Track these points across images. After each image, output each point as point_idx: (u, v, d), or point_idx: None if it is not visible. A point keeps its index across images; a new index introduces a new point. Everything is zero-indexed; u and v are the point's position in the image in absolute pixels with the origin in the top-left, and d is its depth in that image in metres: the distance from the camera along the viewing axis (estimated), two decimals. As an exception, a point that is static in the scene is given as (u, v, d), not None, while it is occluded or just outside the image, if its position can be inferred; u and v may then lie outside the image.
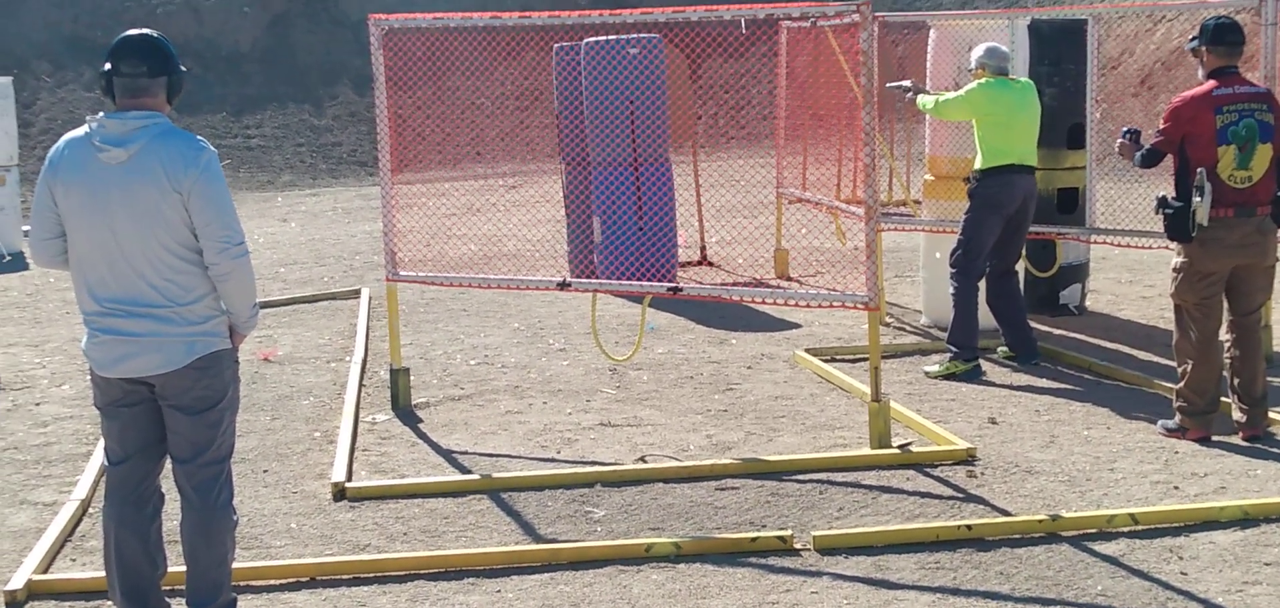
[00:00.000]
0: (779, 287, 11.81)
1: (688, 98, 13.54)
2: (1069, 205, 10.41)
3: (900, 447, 7.27)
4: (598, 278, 12.15)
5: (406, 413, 8.40)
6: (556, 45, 12.84)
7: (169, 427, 4.99)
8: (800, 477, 6.90)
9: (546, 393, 8.84)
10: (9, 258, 15.88)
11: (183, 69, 4.97)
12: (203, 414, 4.95)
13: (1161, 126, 7.28)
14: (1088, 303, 11.08)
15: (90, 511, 6.67)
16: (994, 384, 8.74)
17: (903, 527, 6.10)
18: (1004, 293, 9.22)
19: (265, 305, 12.18)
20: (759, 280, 12.50)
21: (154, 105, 4.85)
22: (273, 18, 29.09)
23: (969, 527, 6.03)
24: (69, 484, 7.11)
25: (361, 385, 9.05)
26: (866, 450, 7.24)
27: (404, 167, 26.18)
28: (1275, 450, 7.17)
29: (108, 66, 4.85)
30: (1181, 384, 7.41)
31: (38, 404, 8.97)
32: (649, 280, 11.90)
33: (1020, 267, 9.50)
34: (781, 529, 6.12)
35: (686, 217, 14.02)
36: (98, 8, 28.11)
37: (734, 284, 12.12)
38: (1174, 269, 7.34)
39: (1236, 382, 7.41)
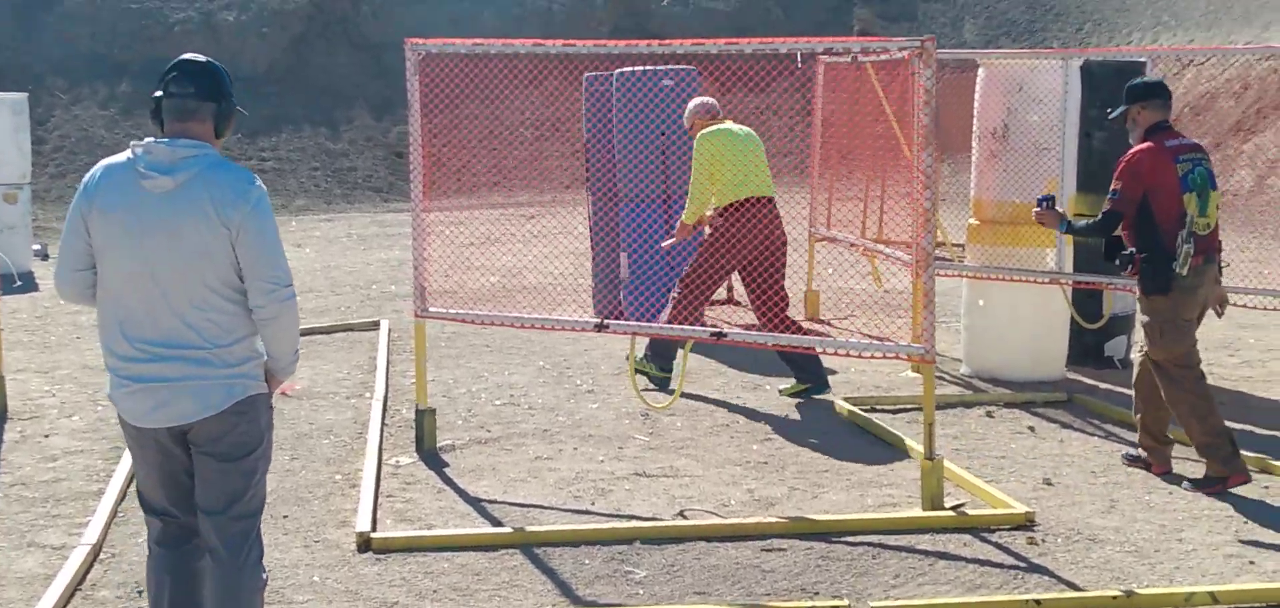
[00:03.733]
0: (824, 334, 11.42)
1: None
2: (1117, 254, 10.03)
3: (954, 508, 6.89)
4: (625, 315, 11.81)
5: (432, 456, 8.03)
6: (587, 75, 12.51)
7: (199, 476, 4.65)
8: (850, 538, 6.52)
9: (577, 438, 8.47)
10: (20, 282, 15.49)
11: (235, 104, 4.66)
12: (237, 462, 4.63)
13: (1117, 186, 7.20)
14: (1133, 356, 10.69)
15: (101, 557, 6.30)
16: (1045, 442, 8.37)
17: (965, 599, 5.73)
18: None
19: (313, 332, 11.85)
20: (799, 325, 12.12)
21: (201, 133, 4.55)
22: (291, 39, 28.85)
23: (1037, 602, 5.65)
24: (79, 526, 6.74)
25: (384, 425, 8.69)
26: (919, 512, 6.86)
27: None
28: (1351, 523, 6.79)
29: (158, 93, 4.59)
30: (1200, 438, 7.25)
31: (46, 436, 8.61)
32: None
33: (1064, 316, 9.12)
34: (836, 598, 5.75)
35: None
36: (115, 26, 27.91)
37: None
38: (1149, 327, 7.30)
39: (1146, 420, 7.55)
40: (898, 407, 9.23)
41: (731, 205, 9.01)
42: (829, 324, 12.20)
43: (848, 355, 7.48)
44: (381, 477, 7.58)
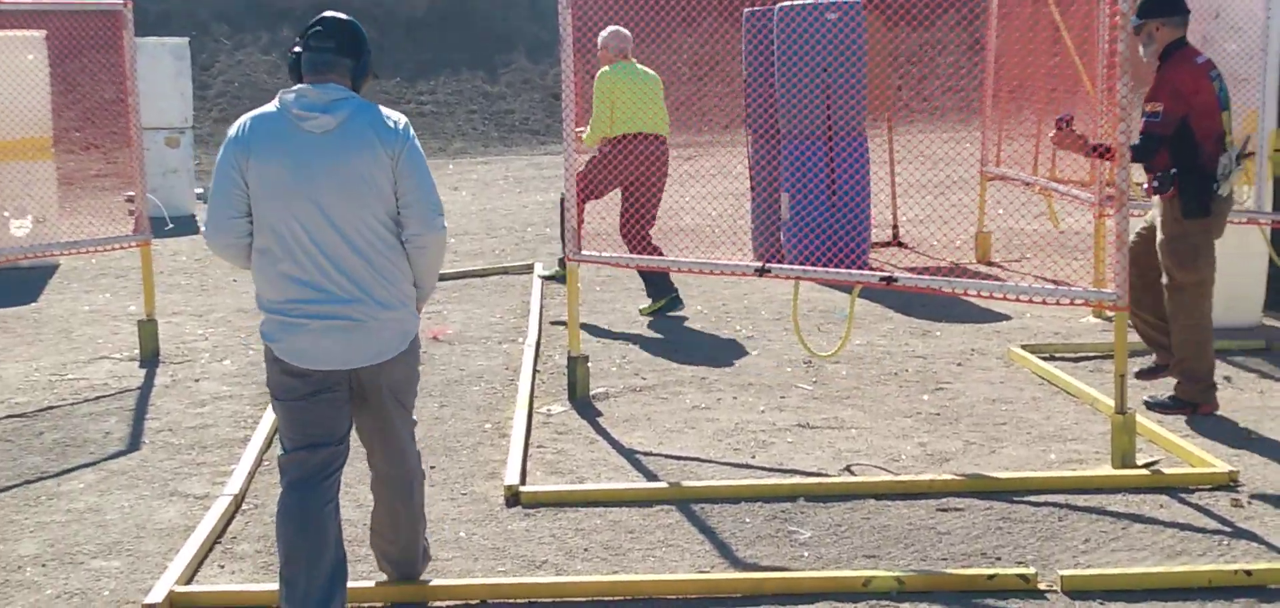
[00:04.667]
0: (995, 279, 10.80)
1: (885, 67, 12.63)
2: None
3: (1147, 466, 6.33)
4: (785, 257, 11.36)
5: (584, 404, 7.70)
6: (746, 10, 12.05)
7: (369, 411, 4.76)
8: (1033, 498, 6.01)
9: (736, 386, 8.06)
10: (171, 225, 15.54)
11: (370, 61, 4.75)
12: (404, 395, 4.82)
13: (1156, 107, 6.91)
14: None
15: (243, 507, 6.10)
16: (1243, 393, 7.72)
17: (1166, 569, 5.18)
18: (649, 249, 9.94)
19: (455, 278, 11.67)
20: (959, 266, 11.55)
21: (339, 83, 4.62)
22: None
23: (1248, 572, 5.09)
24: (223, 474, 6.56)
25: (536, 371, 8.39)
26: (1109, 471, 6.32)
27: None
28: None
29: (297, 49, 4.67)
30: (1193, 365, 7.14)
31: (197, 381, 8.48)
32: (839, 261, 11.07)
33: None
34: (1021, 564, 5.26)
35: (876, 193, 13.15)
36: (276, -29, 28.11)
37: (954, 272, 11.14)
38: (1181, 250, 7.03)
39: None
40: (1078, 355, 8.64)
41: (625, 136, 9.82)
42: (1001, 267, 11.59)
43: (1029, 301, 6.94)
44: (532, 426, 7.28)
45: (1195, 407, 7.20)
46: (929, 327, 9.49)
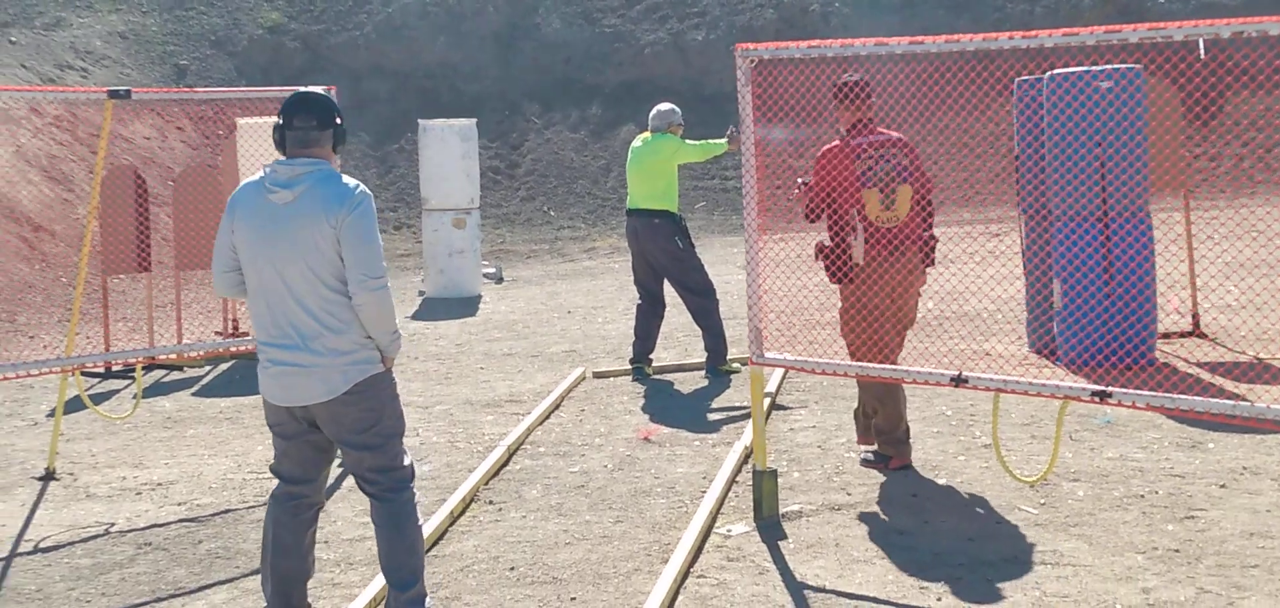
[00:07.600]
0: (1241, 398, 9.35)
1: (1178, 137, 11.33)
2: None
3: None
4: (1059, 352, 10.29)
5: (770, 524, 6.93)
6: (1018, 79, 11.06)
7: (343, 453, 5.44)
8: (1262, 674, 4.91)
9: (949, 508, 7.10)
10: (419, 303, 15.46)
11: (344, 124, 5.43)
12: (363, 435, 5.31)
13: (810, 180, 7.66)
14: None
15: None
16: None
17: None
18: (645, 314, 11.16)
19: (674, 370, 11.11)
20: (1261, 362, 10.15)
21: (321, 155, 5.32)
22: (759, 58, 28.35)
23: None
24: (348, 599, 6.11)
25: (733, 484, 7.66)
26: (1367, 641, 5.13)
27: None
28: None
29: (280, 122, 5.30)
30: (882, 421, 7.76)
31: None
32: (1119, 355, 9.90)
33: None
34: None
35: (1179, 278, 11.82)
36: (588, 51, 28.36)
37: (1252, 368, 9.82)
38: (841, 312, 7.70)
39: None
40: (1376, 478, 7.29)
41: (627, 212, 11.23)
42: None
43: (1257, 423, 5.82)
44: (704, 550, 6.56)
45: (888, 460, 7.76)
46: (1202, 437, 8.24)
